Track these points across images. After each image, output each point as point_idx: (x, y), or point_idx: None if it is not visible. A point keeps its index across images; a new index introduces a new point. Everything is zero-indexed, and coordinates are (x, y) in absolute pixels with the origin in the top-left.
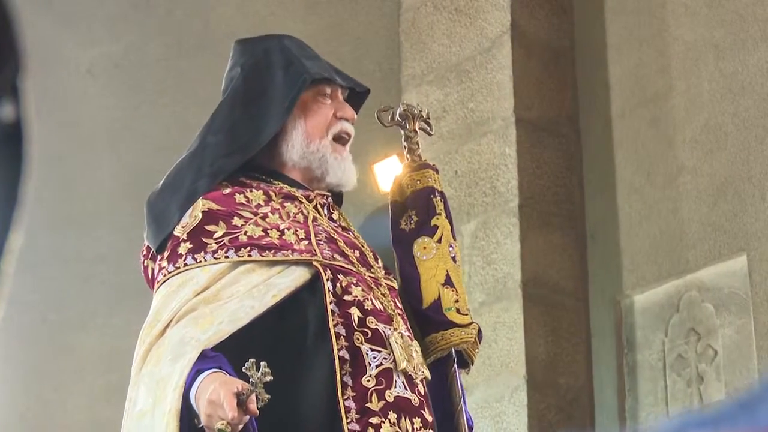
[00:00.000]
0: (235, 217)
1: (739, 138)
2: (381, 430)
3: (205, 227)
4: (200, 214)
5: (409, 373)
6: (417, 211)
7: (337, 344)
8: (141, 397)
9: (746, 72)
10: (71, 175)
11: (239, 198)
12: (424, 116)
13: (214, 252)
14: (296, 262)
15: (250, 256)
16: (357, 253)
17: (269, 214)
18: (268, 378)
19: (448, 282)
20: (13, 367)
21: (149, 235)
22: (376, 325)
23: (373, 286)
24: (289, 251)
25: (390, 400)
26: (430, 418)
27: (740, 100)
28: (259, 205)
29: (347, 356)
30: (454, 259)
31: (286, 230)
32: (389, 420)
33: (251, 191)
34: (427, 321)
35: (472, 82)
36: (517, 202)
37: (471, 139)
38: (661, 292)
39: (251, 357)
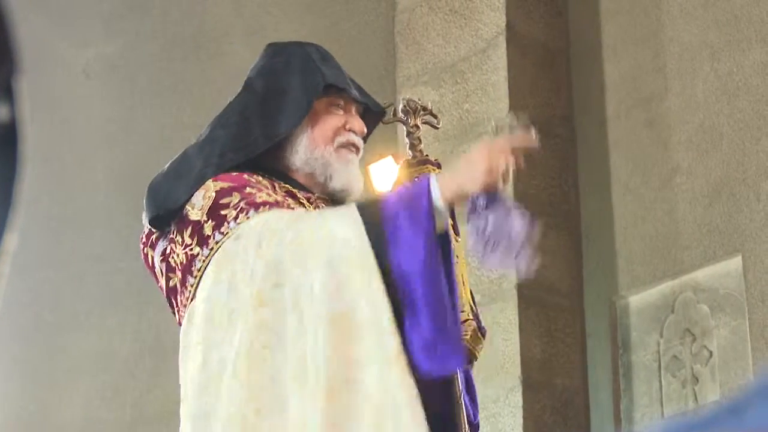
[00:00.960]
0: (248, 188)
1: (734, 139)
2: None
3: (220, 202)
4: (214, 194)
5: None
6: None
7: None
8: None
9: (741, 73)
10: (66, 176)
11: (248, 177)
12: (429, 110)
13: (235, 218)
14: None
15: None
16: None
17: (276, 195)
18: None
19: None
20: (8, 367)
21: (147, 208)
22: None
23: None
24: None
25: None
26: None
27: (735, 101)
28: (267, 186)
29: None
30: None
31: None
32: None
33: (258, 177)
34: None
35: (467, 83)
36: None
37: (466, 139)
38: (656, 293)
39: None
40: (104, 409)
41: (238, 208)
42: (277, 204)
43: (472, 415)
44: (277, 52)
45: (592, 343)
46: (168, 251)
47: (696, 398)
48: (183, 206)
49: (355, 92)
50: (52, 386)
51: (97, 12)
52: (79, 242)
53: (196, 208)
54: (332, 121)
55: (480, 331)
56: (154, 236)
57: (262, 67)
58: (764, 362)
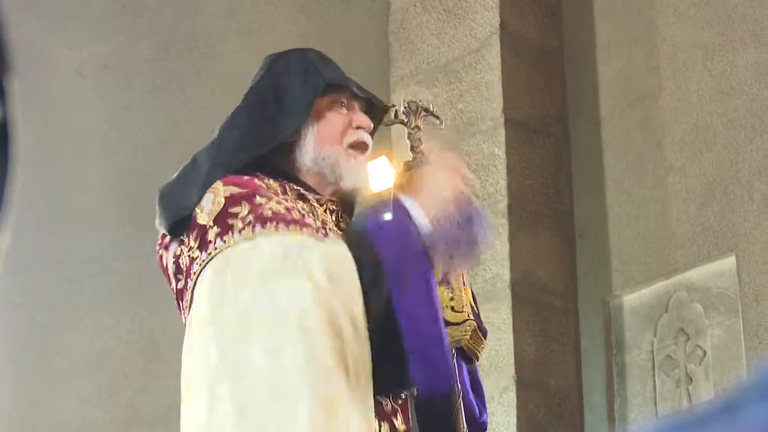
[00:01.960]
0: (257, 196)
1: (727, 138)
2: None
3: (230, 210)
4: (223, 200)
5: None
6: None
7: None
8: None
9: (735, 72)
10: (59, 176)
11: (258, 182)
12: (431, 111)
13: (241, 230)
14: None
15: (276, 230)
16: None
17: (287, 200)
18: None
19: (444, 280)
20: (1, 368)
21: (162, 219)
22: None
23: None
24: (313, 230)
25: None
26: (401, 426)
27: (729, 100)
28: (277, 192)
29: None
30: None
31: (306, 214)
32: None
33: (268, 181)
34: None
35: (461, 83)
36: (506, 202)
37: (460, 139)
38: (649, 293)
39: None
40: (99, 409)
41: (246, 221)
42: (288, 212)
43: (477, 414)
44: (276, 59)
45: (586, 343)
46: (179, 253)
47: (690, 398)
48: (193, 210)
49: (355, 89)
50: (46, 387)
51: (91, 12)
52: (72, 243)
53: (204, 212)
54: (337, 119)
55: (481, 331)
56: (167, 238)
57: (263, 74)
58: (758, 361)
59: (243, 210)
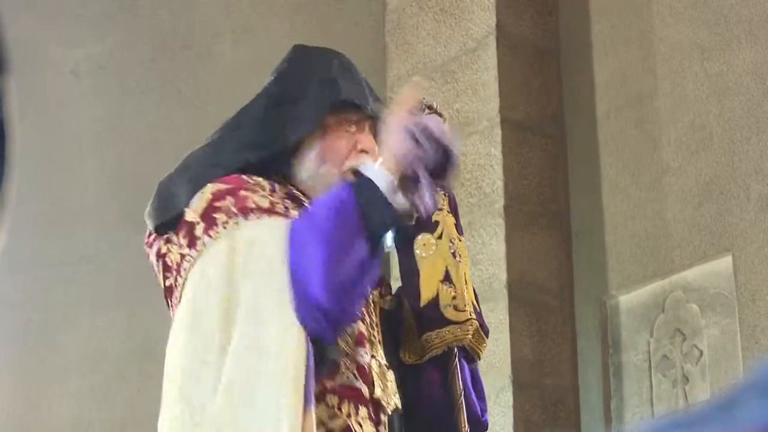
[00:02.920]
0: (242, 191)
1: (724, 138)
2: None
3: (215, 204)
4: (210, 195)
5: (382, 402)
6: None
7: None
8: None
9: (731, 72)
10: (55, 176)
11: (246, 179)
12: (435, 109)
13: (225, 222)
14: None
15: (258, 221)
16: None
17: (273, 196)
18: None
19: (447, 279)
20: None
21: (152, 213)
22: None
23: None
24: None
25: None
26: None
27: (725, 100)
28: (264, 188)
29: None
30: (454, 254)
31: (291, 209)
32: None
33: (257, 179)
34: (424, 319)
35: (458, 83)
36: (503, 202)
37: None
38: (646, 293)
39: None
40: (94, 409)
41: (229, 213)
42: (271, 207)
43: (479, 413)
44: (299, 57)
45: (582, 343)
46: (164, 251)
47: (686, 398)
48: (183, 211)
49: (371, 108)
50: (42, 387)
51: (87, 12)
52: (68, 242)
53: (192, 209)
54: (343, 141)
55: (483, 330)
56: (152, 236)
57: (282, 72)
58: (754, 361)
59: (227, 203)
